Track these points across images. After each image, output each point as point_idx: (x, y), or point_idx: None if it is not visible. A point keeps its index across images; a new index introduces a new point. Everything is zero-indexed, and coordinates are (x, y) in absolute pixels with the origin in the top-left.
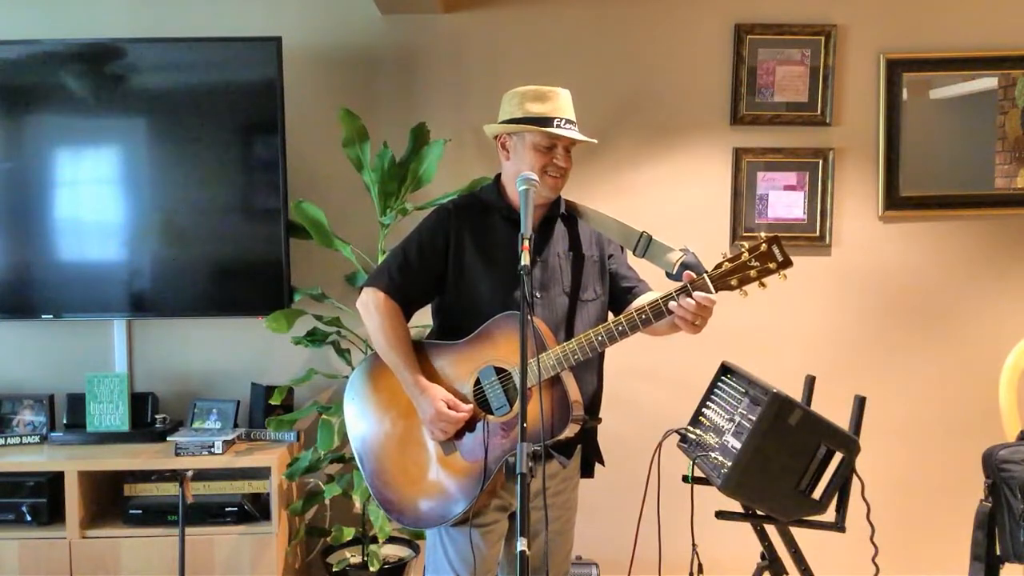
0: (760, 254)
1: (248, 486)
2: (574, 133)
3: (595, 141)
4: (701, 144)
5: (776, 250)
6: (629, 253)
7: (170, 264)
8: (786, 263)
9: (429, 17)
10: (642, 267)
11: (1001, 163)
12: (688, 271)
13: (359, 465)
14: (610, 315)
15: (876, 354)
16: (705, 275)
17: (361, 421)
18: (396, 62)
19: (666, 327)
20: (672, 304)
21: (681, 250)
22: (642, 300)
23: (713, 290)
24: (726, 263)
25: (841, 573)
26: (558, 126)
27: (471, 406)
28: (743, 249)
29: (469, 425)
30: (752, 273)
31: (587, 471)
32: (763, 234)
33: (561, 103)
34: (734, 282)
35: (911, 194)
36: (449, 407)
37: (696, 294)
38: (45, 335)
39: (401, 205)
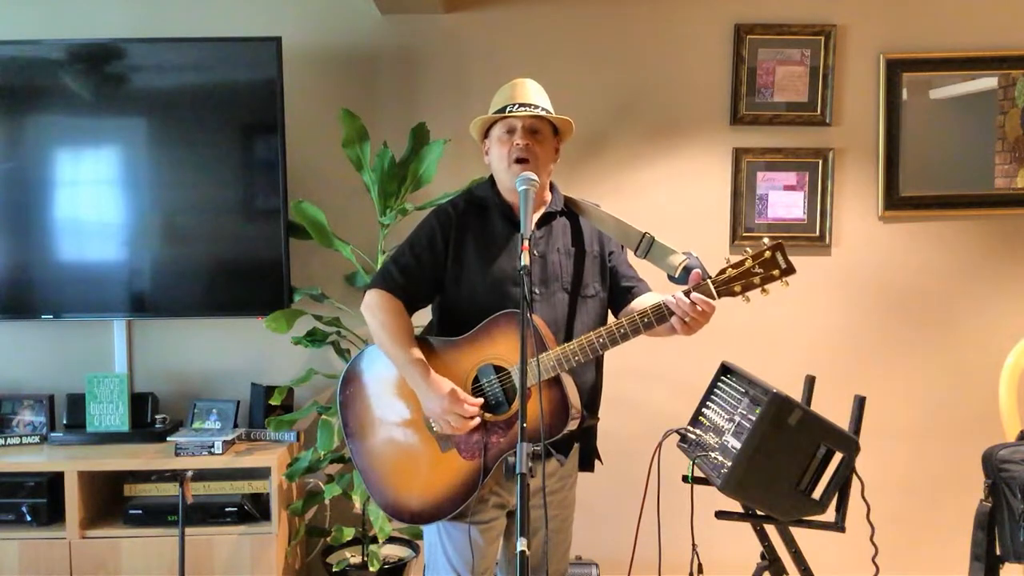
0: (764, 261)
1: (248, 486)
2: (526, 111)
3: (543, 114)
4: (701, 144)
5: (780, 257)
6: (629, 252)
7: (170, 264)
8: (789, 270)
9: (429, 17)
10: (642, 267)
11: (1001, 163)
12: (693, 272)
13: (353, 461)
14: (609, 314)
15: (876, 354)
16: (708, 280)
17: (355, 417)
18: (396, 62)
19: (665, 330)
20: (671, 303)
21: (684, 254)
22: (643, 302)
23: (716, 295)
24: (730, 269)
25: (841, 573)
26: (510, 111)
27: (480, 401)
28: (747, 255)
29: None
30: (756, 280)
31: (586, 465)
32: (766, 240)
33: (519, 91)
34: (737, 288)
35: (911, 194)
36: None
37: (694, 294)
38: (45, 335)
39: (401, 205)
